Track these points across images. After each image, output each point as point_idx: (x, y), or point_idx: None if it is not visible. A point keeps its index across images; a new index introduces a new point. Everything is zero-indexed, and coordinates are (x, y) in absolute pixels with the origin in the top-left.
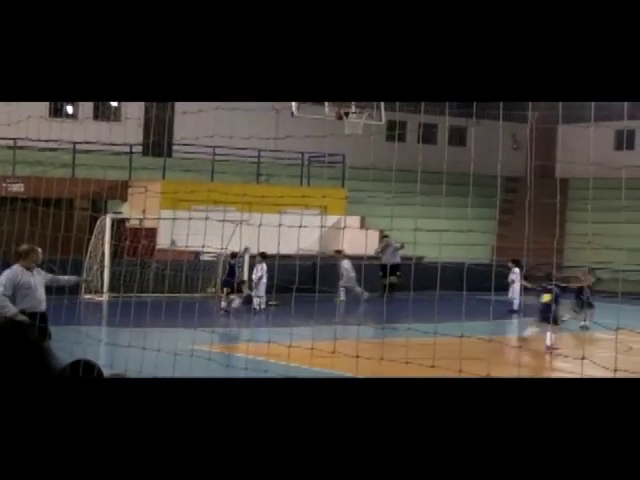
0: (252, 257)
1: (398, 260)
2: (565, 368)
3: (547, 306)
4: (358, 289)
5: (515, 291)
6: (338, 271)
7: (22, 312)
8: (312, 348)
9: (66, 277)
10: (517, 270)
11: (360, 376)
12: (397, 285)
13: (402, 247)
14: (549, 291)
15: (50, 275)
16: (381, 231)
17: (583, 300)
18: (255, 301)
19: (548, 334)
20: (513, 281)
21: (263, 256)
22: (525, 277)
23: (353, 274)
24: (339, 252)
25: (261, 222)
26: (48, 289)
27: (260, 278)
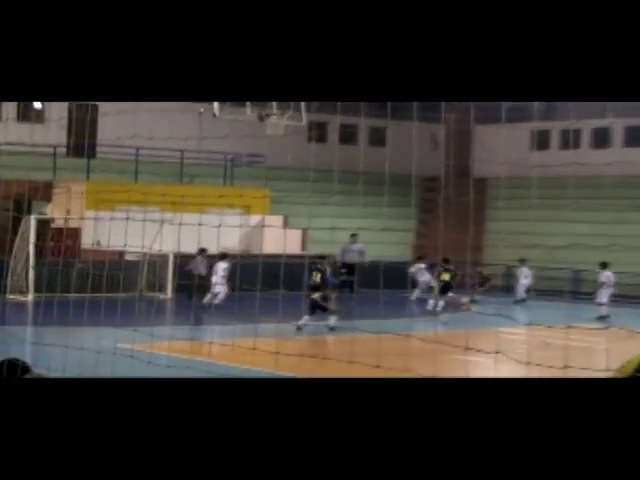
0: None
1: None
2: (480, 363)
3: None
4: None
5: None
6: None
7: None
8: (233, 345)
9: None
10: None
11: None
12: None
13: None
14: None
15: None
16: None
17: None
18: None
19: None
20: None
21: (223, 256)
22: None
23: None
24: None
25: (182, 222)
26: None
27: (223, 277)
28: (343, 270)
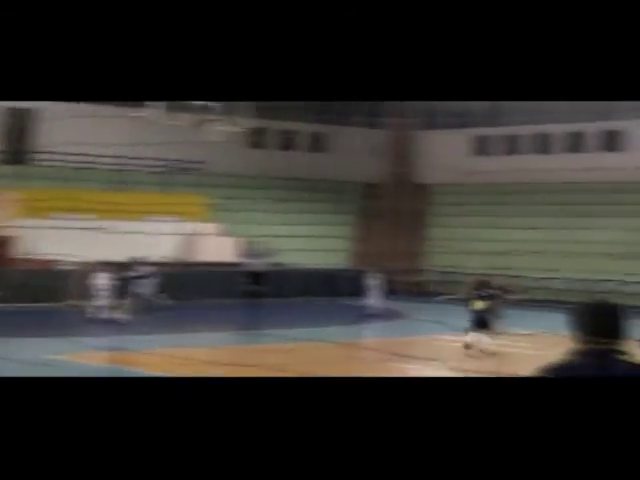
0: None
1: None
2: (415, 370)
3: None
4: None
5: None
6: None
7: None
8: (168, 356)
9: None
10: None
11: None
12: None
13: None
14: (482, 298)
15: None
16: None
17: None
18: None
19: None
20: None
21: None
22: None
23: None
24: None
25: (117, 230)
26: None
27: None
28: (246, 280)
